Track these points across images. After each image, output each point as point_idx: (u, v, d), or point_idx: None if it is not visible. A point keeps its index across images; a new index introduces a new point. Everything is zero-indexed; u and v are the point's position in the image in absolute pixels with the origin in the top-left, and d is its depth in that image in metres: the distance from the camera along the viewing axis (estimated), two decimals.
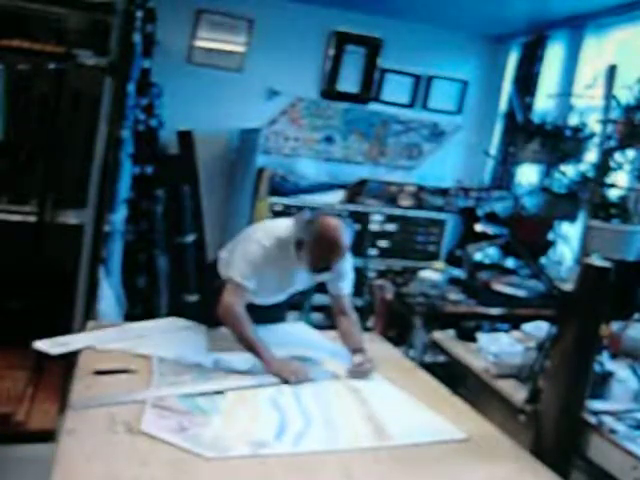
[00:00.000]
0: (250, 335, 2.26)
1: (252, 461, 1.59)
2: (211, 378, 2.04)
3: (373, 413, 1.92)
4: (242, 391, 1.98)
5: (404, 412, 1.98)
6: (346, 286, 2.57)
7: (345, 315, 2.54)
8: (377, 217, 4.74)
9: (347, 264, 2.55)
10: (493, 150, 5.04)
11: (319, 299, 4.58)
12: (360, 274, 4.65)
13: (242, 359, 2.23)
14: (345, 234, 2.37)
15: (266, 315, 2.58)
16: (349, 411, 1.93)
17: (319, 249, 2.35)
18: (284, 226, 2.50)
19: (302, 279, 2.58)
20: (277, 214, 4.46)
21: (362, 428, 1.82)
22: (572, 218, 3.92)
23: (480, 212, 4.50)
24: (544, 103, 4.53)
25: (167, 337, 2.46)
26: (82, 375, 1.98)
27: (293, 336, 2.68)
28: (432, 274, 3.65)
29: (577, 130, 3.87)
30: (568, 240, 4.00)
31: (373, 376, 2.26)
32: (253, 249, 2.39)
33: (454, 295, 3.51)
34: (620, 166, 3.45)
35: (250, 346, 2.24)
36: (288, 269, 2.49)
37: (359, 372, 2.29)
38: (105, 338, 2.34)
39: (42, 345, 2.26)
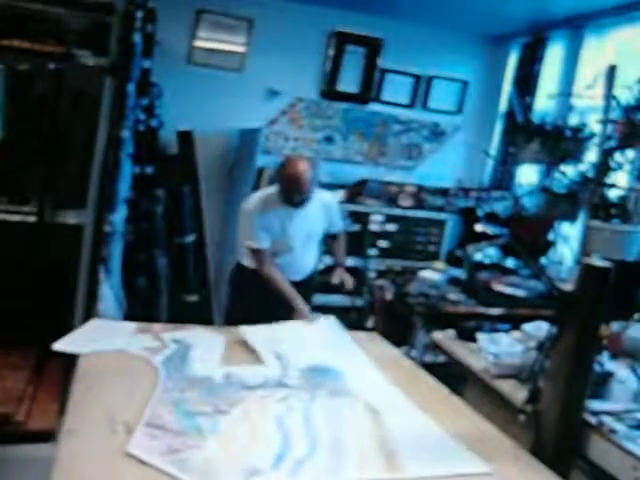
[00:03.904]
0: (284, 287, 2.91)
1: None
2: (218, 397, 1.90)
3: (388, 438, 1.76)
4: (248, 408, 1.86)
5: (424, 439, 1.83)
6: (337, 225, 3.27)
7: (336, 238, 3.37)
8: (377, 217, 4.75)
9: (334, 211, 3.21)
10: (493, 150, 5.04)
11: (319, 299, 4.60)
12: (360, 274, 4.67)
13: (255, 373, 2.12)
14: (306, 171, 2.81)
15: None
16: (362, 435, 1.78)
17: (284, 183, 2.84)
18: (268, 188, 3.05)
19: (307, 220, 3.02)
20: None
21: (373, 456, 1.67)
22: (572, 218, 3.92)
23: (480, 212, 4.50)
24: (544, 103, 4.53)
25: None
26: (82, 375, 1.98)
27: (319, 341, 2.55)
28: (432, 274, 3.64)
29: (577, 130, 3.87)
30: (568, 240, 4.00)
31: (397, 394, 2.10)
32: (244, 215, 2.94)
33: (454, 295, 3.50)
34: (620, 166, 3.45)
35: (287, 295, 2.90)
36: (283, 214, 2.95)
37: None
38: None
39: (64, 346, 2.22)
